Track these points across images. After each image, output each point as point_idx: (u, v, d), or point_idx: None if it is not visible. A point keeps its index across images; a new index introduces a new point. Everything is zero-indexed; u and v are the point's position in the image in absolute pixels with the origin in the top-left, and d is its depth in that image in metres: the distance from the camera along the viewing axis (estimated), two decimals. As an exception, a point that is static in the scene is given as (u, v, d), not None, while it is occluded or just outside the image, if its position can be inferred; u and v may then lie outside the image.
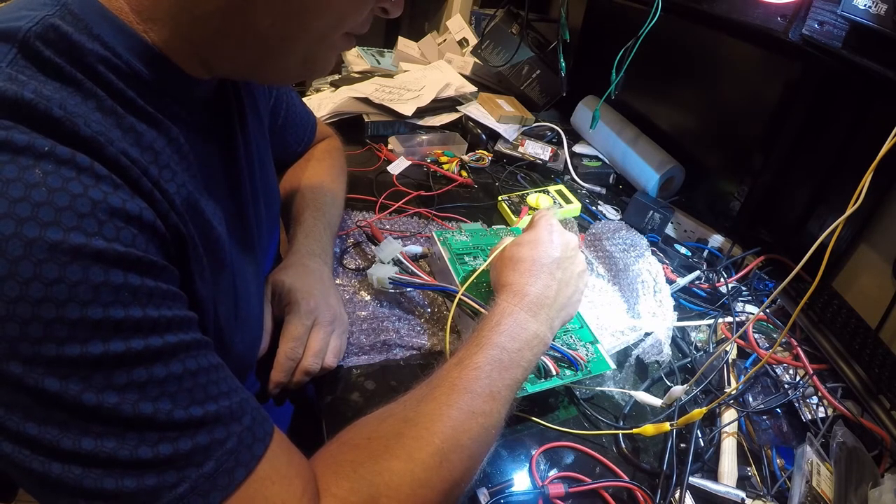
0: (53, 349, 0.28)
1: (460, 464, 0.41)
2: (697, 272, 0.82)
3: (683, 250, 0.90)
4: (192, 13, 0.36)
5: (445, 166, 1.00)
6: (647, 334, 0.67)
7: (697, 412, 0.54)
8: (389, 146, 1.05)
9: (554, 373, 0.56)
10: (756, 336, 0.74)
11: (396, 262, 0.68)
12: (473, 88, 1.22)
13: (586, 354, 0.60)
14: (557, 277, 0.55)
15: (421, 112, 1.11)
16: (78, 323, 0.29)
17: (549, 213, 0.61)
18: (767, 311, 0.78)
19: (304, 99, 1.10)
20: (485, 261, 0.69)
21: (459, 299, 0.59)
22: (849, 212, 0.44)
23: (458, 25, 1.47)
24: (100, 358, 0.29)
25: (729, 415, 0.62)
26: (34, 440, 0.29)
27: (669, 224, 0.96)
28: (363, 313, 0.66)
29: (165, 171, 0.37)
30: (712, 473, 0.56)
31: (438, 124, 1.14)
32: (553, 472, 0.54)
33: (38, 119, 0.30)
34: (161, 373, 0.32)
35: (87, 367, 0.29)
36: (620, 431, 0.58)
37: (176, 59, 0.39)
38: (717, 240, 0.93)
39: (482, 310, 0.58)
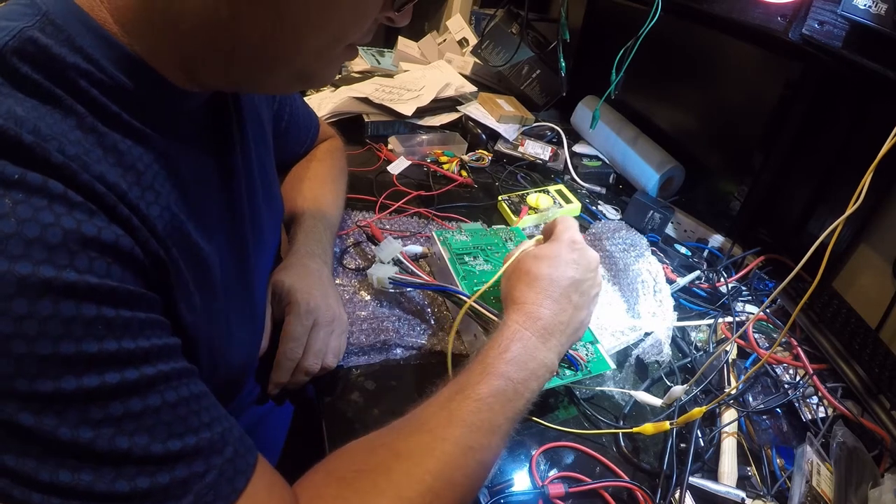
0: (25, 385, 0.28)
1: (452, 501, 0.40)
2: (697, 272, 0.82)
3: (683, 250, 0.90)
4: (177, 28, 0.35)
5: (445, 166, 1.00)
6: (647, 334, 0.67)
7: (697, 411, 0.54)
8: (389, 146, 1.05)
9: (554, 373, 0.56)
10: (756, 336, 0.74)
11: (396, 262, 0.68)
12: (473, 88, 1.22)
13: (586, 354, 0.60)
14: (574, 301, 0.51)
15: (421, 112, 1.11)
16: (49, 359, 0.28)
17: (574, 225, 0.57)
18: (767, 311, 0.78)
19: (304, 98, 1.10)
20: (485, 261, 0.69)
21: (467, 306, 0.58)
22: (849, 212, 0.44)
23: (458, 25, 1.47)
24: (73, 393, 0.29)
25: (729, 415, 0.62)
26: (13, 471, 0.29)
27: (669, 224, 0.96)
28: (363, 313, 0.66)
29: (148, 193, 0.35)
30: (712, 473, 0.56)
31: (438, 124, 1.14)
32: (553, 472, 0.54)
33: (8, 146, 0.28)
34: (137, 406, 0.31)
35: (60, 402, 0.29)
36: (620, 431, 0.58)
37: (163, 71, 0.37)
38: (717, 240, 0.93)
39: (487, 313, 0.57)
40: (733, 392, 0.63)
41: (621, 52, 0.82)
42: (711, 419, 0.62)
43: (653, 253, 0.79)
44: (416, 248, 0.74)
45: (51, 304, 0.28)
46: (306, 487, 0.39)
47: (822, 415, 0.64)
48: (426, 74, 1.23)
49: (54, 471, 0.29)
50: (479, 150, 1.08)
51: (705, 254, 0.91)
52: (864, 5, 0.52)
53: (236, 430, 0.37)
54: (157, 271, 0.35)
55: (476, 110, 1.16)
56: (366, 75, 1.28)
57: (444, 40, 1.46)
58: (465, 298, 0.59)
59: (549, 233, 0.57)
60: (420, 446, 0.40)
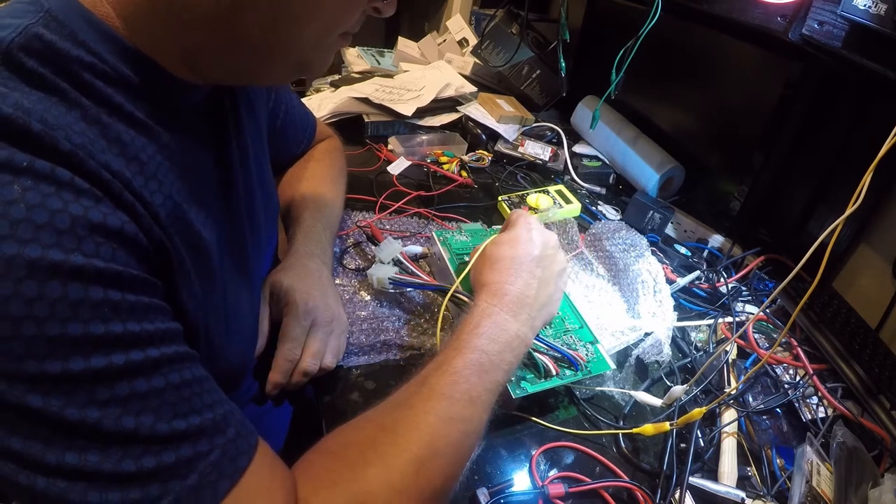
0: (34, 366, 0.28)
1: (439, 471, 0.41)
2: (697, 272, 0.82)
3: (683, 250, 0.90)
4: (178, 20, 0.36)
5: (445, 166, 1.00)
6: (647, 334, 0.67)
7: (697, 412, 0.54)
8: (389, 146, 1.05)
9: (554, 373, 0.56)
10: (756, 336, 0.74)
11: (396, 263, 0.68)
12: (473, 88, 1.22)
13: (586, 354, 0.60)
14: (538, 276, 0.54)
15: (421, 112, 1.11)
16: (58, 339, 0.29)
17: (527, 212, 0.62)
18: (767, 311, 0.78)
19: (304, 99, 1.10)
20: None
21: (453, 296, 0.59)
22: (849, 212, 0.44)
23: (458, 25, 1.47)
24: (81, 374, 0.29)
25: (729, 415, 0.62)
26: (19, 454, 0.29)
27: (669, 224, 0.96)
28: (363, 313, 0.66)
29: (151, 182, 0.36)
30: (712, 473, 0.56)
31: (438, 124, 1.14)
32: (553, 472, 0.54)
33: (17, 134, 0.29)
34: (143, 387, 0.32)
35: (68, 383, 0.29)
36: (620, 431, 0.58)
37: (165, 64, 0.38)
38: (717, 240, 0.93)
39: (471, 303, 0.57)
40: (733, 392, 0.63)
41: (621, 52, 0.82)
42: (711, 419, 0.62)
43: (653, 253, 0.79)
44: (416, 249, 0.74)
45: (59, 287, 0.29)
46: (301, 466, 0.41)
47: (822, 415, 0.64)
48: (426, 75, 1.23)
49: (61, 452, 0.29)
50: (479, 151, 1.08)
51: (705, 254, 0.91)
52: (864, 5, 0.52)
53: (237, 413, 0.38)
54: (160, 258, 0.36)
55: (476, 110, 1.16)
56: (366, 75, 1.28)
57: (444, 40, 1.46)
58: (450, 291, 0.59)
59: (506, 227, 0.62)
60: (403, 420, 0.42)
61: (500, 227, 0.80)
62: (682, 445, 0.57)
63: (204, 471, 0.34)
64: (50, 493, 0.30)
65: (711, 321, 0.75)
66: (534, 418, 0.59)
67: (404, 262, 0.67)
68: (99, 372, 0.30)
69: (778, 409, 0.64)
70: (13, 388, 0.28)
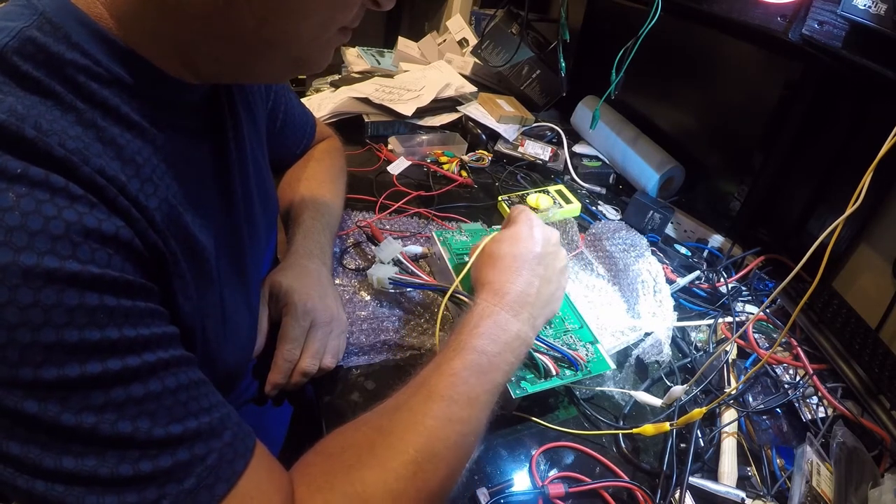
0: (30, 373, 0.28)
1: (437, 473, 0.41)
2: (697, 272, 0.82)
3: (683, 250, 0.90)
4: (172, 17, 0.36)
5: (445, 166, 1.00)
6: (647, 334, 0.67)
7: (697, 412, 0.54)
8: (389, 146, 1.05)
9: (554, 373, 0.56)
10: (756, 336, 0.74)
11: (396, 263, 0.68)
12: (473, 88, 1.22)
13: (586, 354, 0.60)
14: (539, 274, 0.54)
15: (421, 112, 1.11)
16: (54, 346, 0.29)
17: (527, 209, 0.61)
18: (767, 311, 0.78)
19: (304, 99, 1.10)
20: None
21: (453, 296, 0.59)
22: (849, 212, 0.44)
23: (458, 25, 1.47)
24: (77, 380, 0.30)
25: (729, 415, 0.62)
26: (17, 459, 0.29)
27: (669, 224, 0.96)
28: (363, 313, 0.66)
29: (147, 185, 0.36)
30: (712, 473, 0.56)
31: (438, 124, 1.14)
32: (553, 472, 0.54)
33: (11, 140, 0.29)
34: (139, 392, 0.32)
35: (64, 389, 0.29)
36: (620, 431, 0.58)
37: (160, 63, 0.38)
38: (717, 240, 0.93)
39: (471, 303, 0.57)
40: (733, 392, 0.63)
41: (621, 52, 0.82)
42: (711, 419, 0.62)
43: (653, 253, 0.79)
44: (416, 249, 0.74)
45: (54, 294, 0.29)
46: (298, 468, 0.41)
47: (822, 415, 0.64)
48: (426, 75, 1.23)
49: (58, 457, 0.30)
50: (479, 151, 1.08)
51: (705, 254, 0.91)
52: (864, 5, 0.52)
53: (234, 416, 0.38)
54: (156, 262, 0.36)
55: (476, 110, 1.16)
56: (366, 75, 1.28)
57: (444, 40, 1.46)
58: (449, 290, 0.59)
59: (507, 224, 0.61)
60: (401, 422, 0.42)
61: (499, 226, 0.80)
62: (682, 445, 0.57)
63: (201, 474, 0.34)
64: (48, 496, 0.30)
65: (711, 321, 0.75)
66: (534, 418, 0.59)
67: (404, 262, 0.67)
68: (95, 378, 0.30)
69: (778, 409, 0.64)
70: (10, 394, 0.28)
